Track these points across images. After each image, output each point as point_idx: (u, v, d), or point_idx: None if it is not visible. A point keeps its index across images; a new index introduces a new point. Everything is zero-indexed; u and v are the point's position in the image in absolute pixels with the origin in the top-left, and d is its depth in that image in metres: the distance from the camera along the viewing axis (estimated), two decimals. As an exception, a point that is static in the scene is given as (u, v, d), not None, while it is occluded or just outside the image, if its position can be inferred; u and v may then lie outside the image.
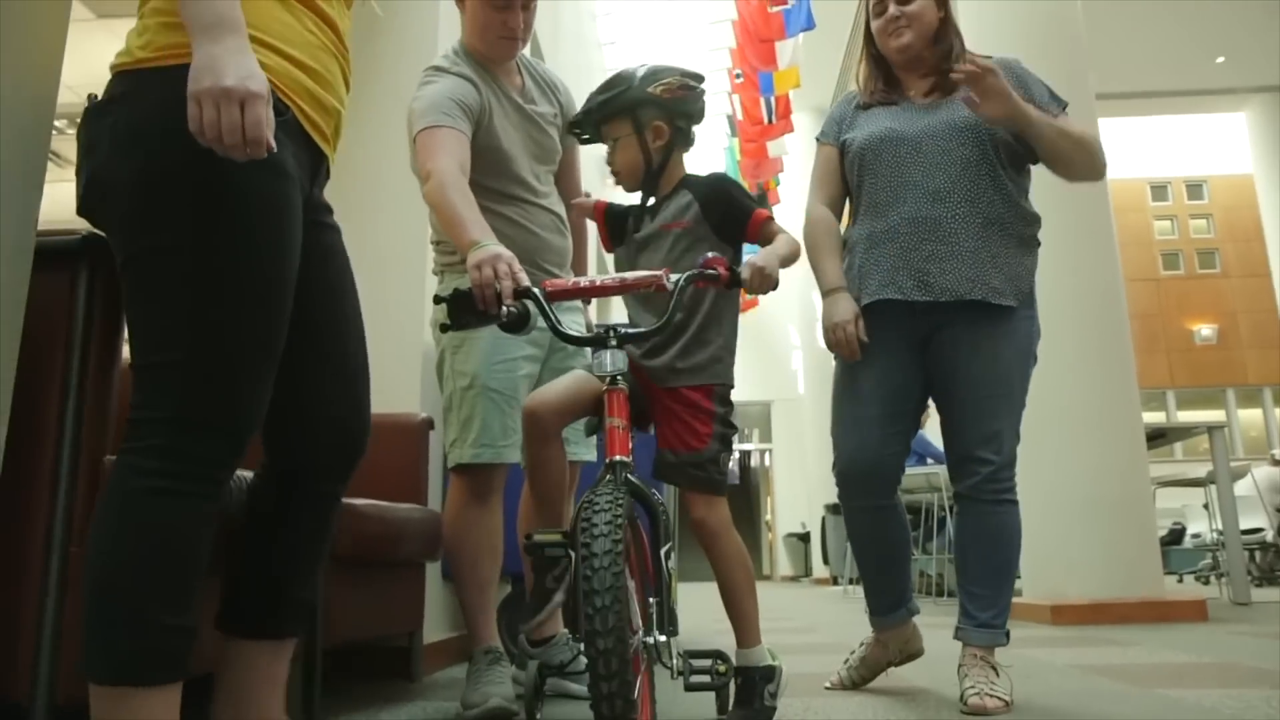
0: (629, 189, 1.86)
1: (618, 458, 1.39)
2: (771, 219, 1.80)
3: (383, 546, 2.16)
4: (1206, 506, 7.67)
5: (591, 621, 1.10)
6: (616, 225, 1.92)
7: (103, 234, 1.22)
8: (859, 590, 7.63)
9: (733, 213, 1.80)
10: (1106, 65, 9.31)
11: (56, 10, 1.31)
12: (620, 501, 1.24)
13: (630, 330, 1.53)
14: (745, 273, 1.62)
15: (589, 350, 1.66)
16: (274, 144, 1.07)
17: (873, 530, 2.15)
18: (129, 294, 1.15)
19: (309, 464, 1.32)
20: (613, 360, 1.46)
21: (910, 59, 2.17)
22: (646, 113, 1.78)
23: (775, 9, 8.44)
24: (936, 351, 2.09)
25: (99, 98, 1.18)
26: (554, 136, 2.28)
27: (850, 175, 2.21)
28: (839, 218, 2.26)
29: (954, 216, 2.04)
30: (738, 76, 9.87)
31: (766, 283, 1.65)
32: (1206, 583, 8.48)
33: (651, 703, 1.39)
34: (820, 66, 11.13)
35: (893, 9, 2.15)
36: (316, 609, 1.53)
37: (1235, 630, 3.62)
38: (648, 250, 1.82)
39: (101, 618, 1.06)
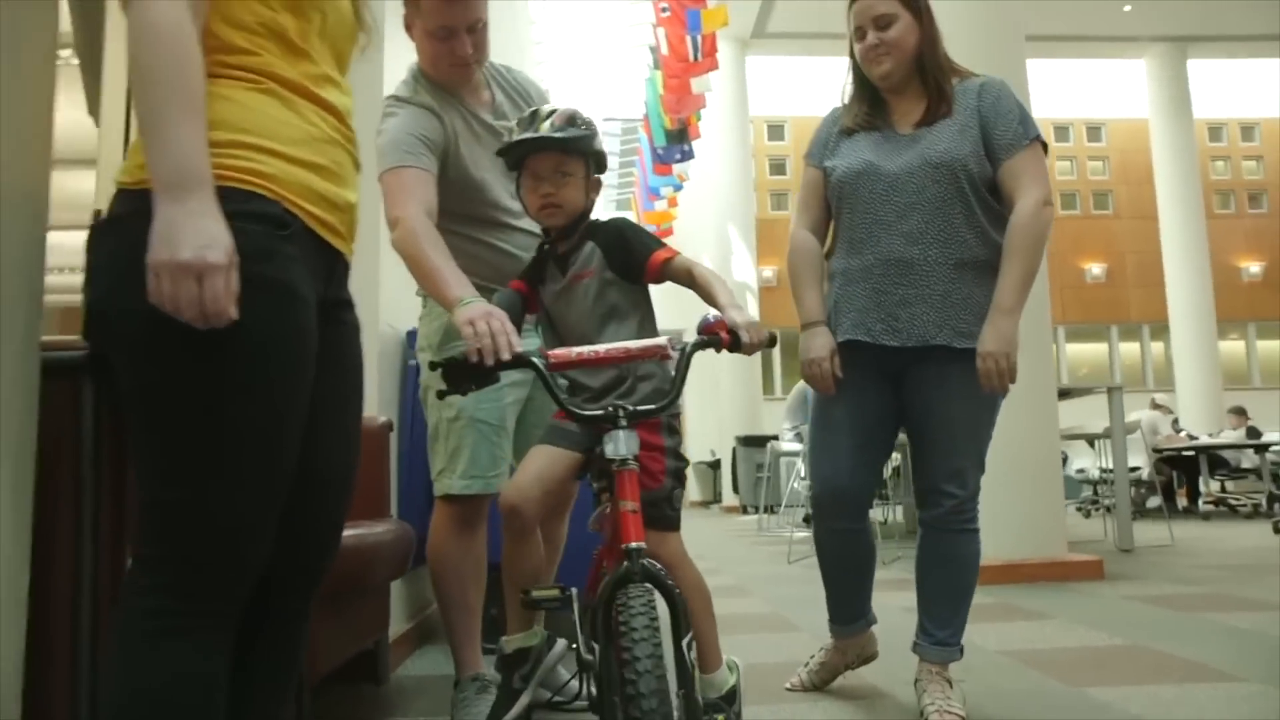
0: (553, 225, 1.82)
1: (634, 545, 1.38)
2: (670, 259, 1.79)
3: (359, 576, 2.16)
4: (1093, 444, 8.27)
5: None
6: (537, 277, 1.88)
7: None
8: (773, 522, 8.10)
9: (632, 259, 1.82)
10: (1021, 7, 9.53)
11: (41, 102, 1.20)
12: (653, 602, 1.27)
13: (641, 408, 1.51)
14: (745, 336, 1.63)
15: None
16: (235, 314, 1.00)
17: (842, 550, 2.26)
18: (134, 425, 1.10)
19: (281, 583, 1.23)
20: (626, 443, 1.45)
21: (894, 85, 2.18)
22: (596, 162, 1.81)
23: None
24: (909, 387, 2.16)
25: (104, 215, 1.10)
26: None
27: (832, 203, 2.23)
28: (823, 240, 2.28)
29: (926, 259, 2.08)
30: (664, 10, 9.65)
31: (760, 338, 1.66)
32: (1088, 515, 9.18)
33: None
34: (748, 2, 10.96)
35: (871, 37, 2.14)
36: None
37: (1129, 594, 3.96)
38: (565, 302, 1.82)
39: None
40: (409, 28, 2.10)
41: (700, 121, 11.38)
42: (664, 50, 9.92)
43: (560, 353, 1.58)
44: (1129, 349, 16.64)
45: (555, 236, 1.85)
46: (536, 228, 2.23)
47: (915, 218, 2.09)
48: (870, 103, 2.23)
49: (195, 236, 0.98)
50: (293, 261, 1.12)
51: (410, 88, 2.09)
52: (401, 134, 1.99)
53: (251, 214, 1.08)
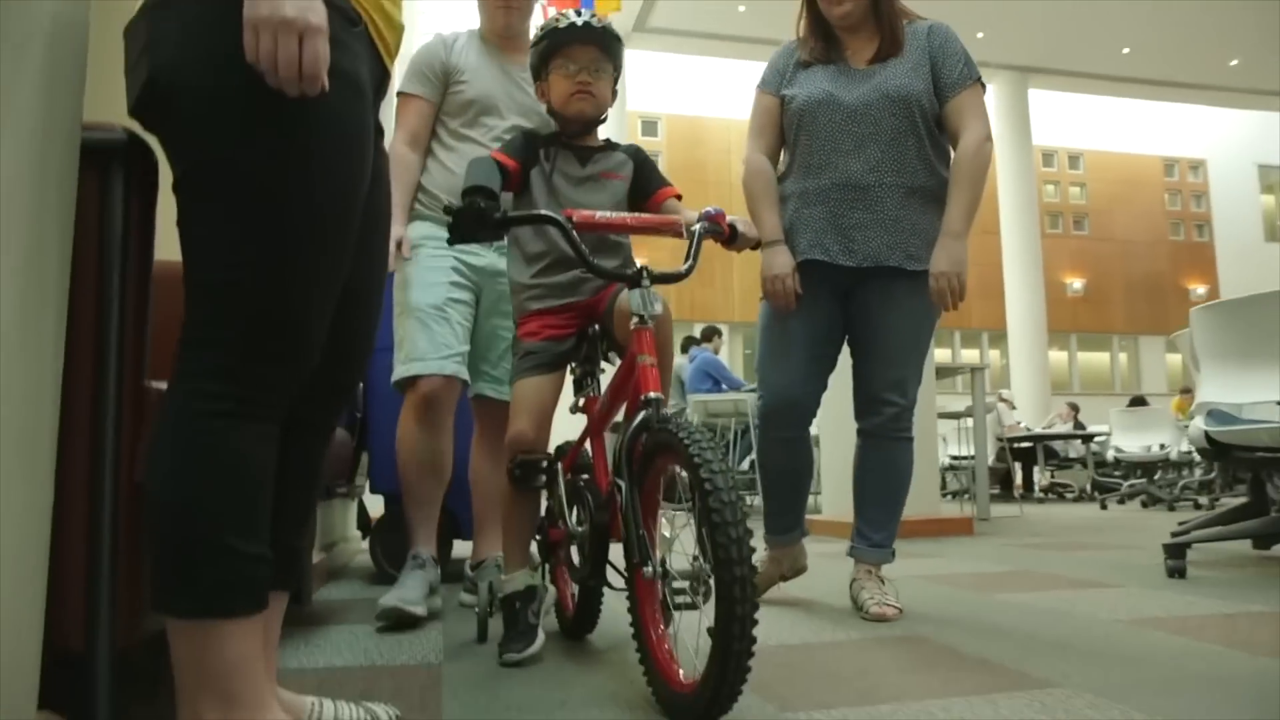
0: (580, 112, 1.86)
1: (653, 394, 1.44)
2: (675, 197, 1.92)
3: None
4: (945, 439, 8.88)
5: (726, 550, 1.15)
6: (525, 152, 1.87)
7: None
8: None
9: (648, 185, 1.94)
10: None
11: None
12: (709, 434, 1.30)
13: (662, 271, 1.56)
14: (742, 228, 1.73)
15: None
16: (328, 83, 1.01)
17: (786, 459, 2.36)
18: (189, 209, 1.05)
19: (310, 395, 1.21)
20: (647, 300, 1.50)
21: (851, 23, 2.30)
22: (617, 76, 1.90)
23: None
24: (856, 303, 2.29)
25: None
26: (534, 96, 2.31)
27: (788, 130, 2.33)
28: (775, 165, 2.39)
29: (880, 185, 2.22)
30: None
31: (753, 235, 1.78)
32: (944, 498, 9.81)
33: None
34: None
35: None
36: (307, 558, 1.46)
37: (1000, 542, 4.30)
38: (586, 191, 1.86)
39: (179, 550, 1.00)
40: None
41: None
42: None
43: (585, 213, 1.60)
44: (970, 355, 17.85)
45: (574, 130, 1.88)
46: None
47: (872, 147, 2.22)
48: (825, 39, 2.35)
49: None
50: (360, 59, 1.13)
51: (455, 34, 2.49)
52: (415, 63, 2.43)
53: (327, 1, 1.06)
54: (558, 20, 1.81)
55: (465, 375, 2.33)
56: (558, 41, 1.81)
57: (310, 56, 0.97)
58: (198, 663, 0.99)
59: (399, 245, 2.30)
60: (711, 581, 1.21)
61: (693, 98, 15.89)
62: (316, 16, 0.98)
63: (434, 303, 2.28)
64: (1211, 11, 12.78)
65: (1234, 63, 14.64)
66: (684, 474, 1.29)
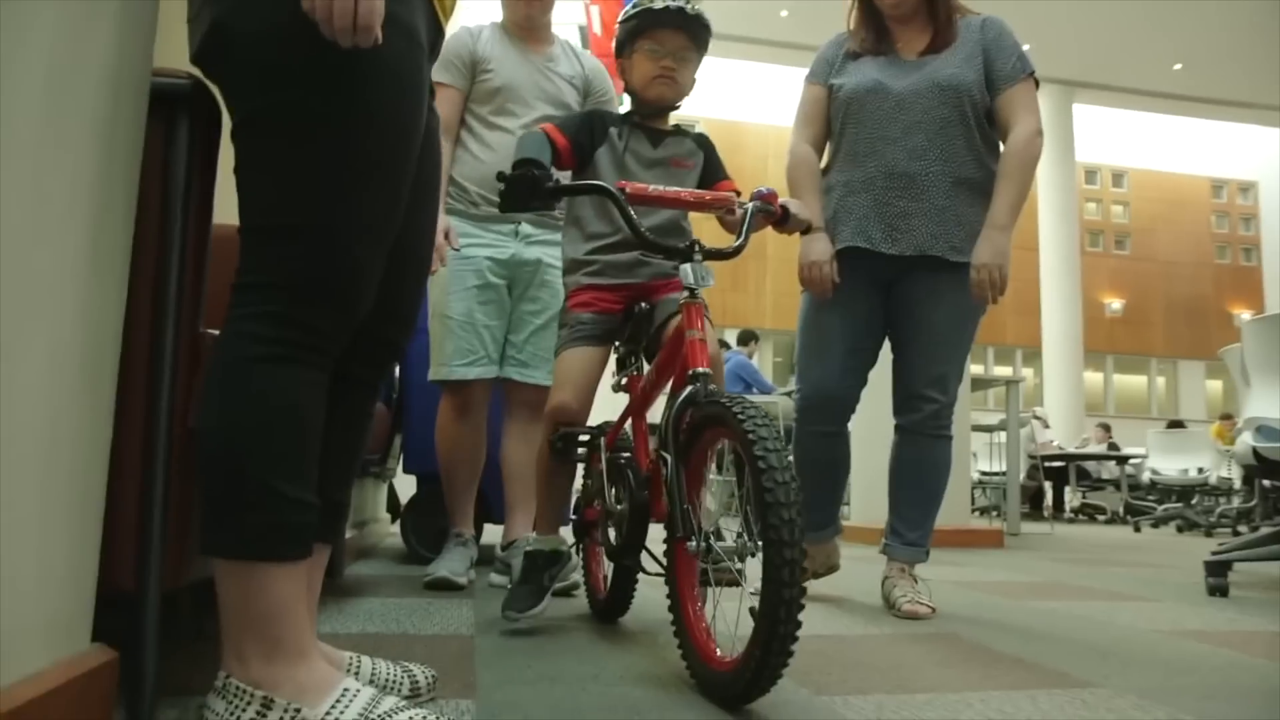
0: (660, 97, 1.84)
1: (701, 369, 1.43)
2: (734, 190, 1.89)
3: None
4: (975, 454, 8.78)
5: (778, 531, 1.14)
6: (585, 130, 1.85)
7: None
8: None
9: (712, 176, 1.93)
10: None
11: None
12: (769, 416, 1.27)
13: (713, 248, 1.55)
14: (794, 209, 1.72)
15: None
16: (381, 36, 1.01)
17: (824, 453, 2.34)
18: (247, 154, 1.06)
19: (360, 348, 1.21)
20: (699, 274, 1.49)
21: (903, 13, 2.28)
22: (700, 62, 1.87)
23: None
24: (898, 296, 2.27)
25: None
26: (560, 86, 2.53)
27: (834, 120, 2.32)
28: (820, 156, 2.37)
29: (928, 174, 2.19)
30: (596, -12, 9.68)
31: (805, 218, 1.77)
32: (973, 514, 9.69)
33: None
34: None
35: None
36: (348, 513, 1.46)
37: (1031, 555, 4.23)
38: (659, 175, 1.84)
39: (228, 492, 1.01)
40: None
41: (622, 105, 11.44)
42: (596, 30, 9.93)
43: (638, 186, 1.59)
44: (1003, 372, 17.62)
45: (648, 112, 1.87)
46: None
47: (919, 135, 2.20)
48: (876, 30, 2.33)
49: None
50: (419, 13, 1.13)
51: (480, 27, 2.55)
52: (446, 53, 2.42)
53: None
54: (651, 3, 1.79)
55: (493, 373, 2.46)
56: (648, 22, 1.79)
57: (366, 8, 0.98)
58: (243, 605, 1.00)
59: (446, 234, 2.32)
60: (758, 557, 1.19)
61: (732, 102, 15.85)
62: None
63: (462, 313, 2.42)
64: (1270, 28, 12.52)
65: (1289, 83, 14.35)
66: (736, 449, 1.28)
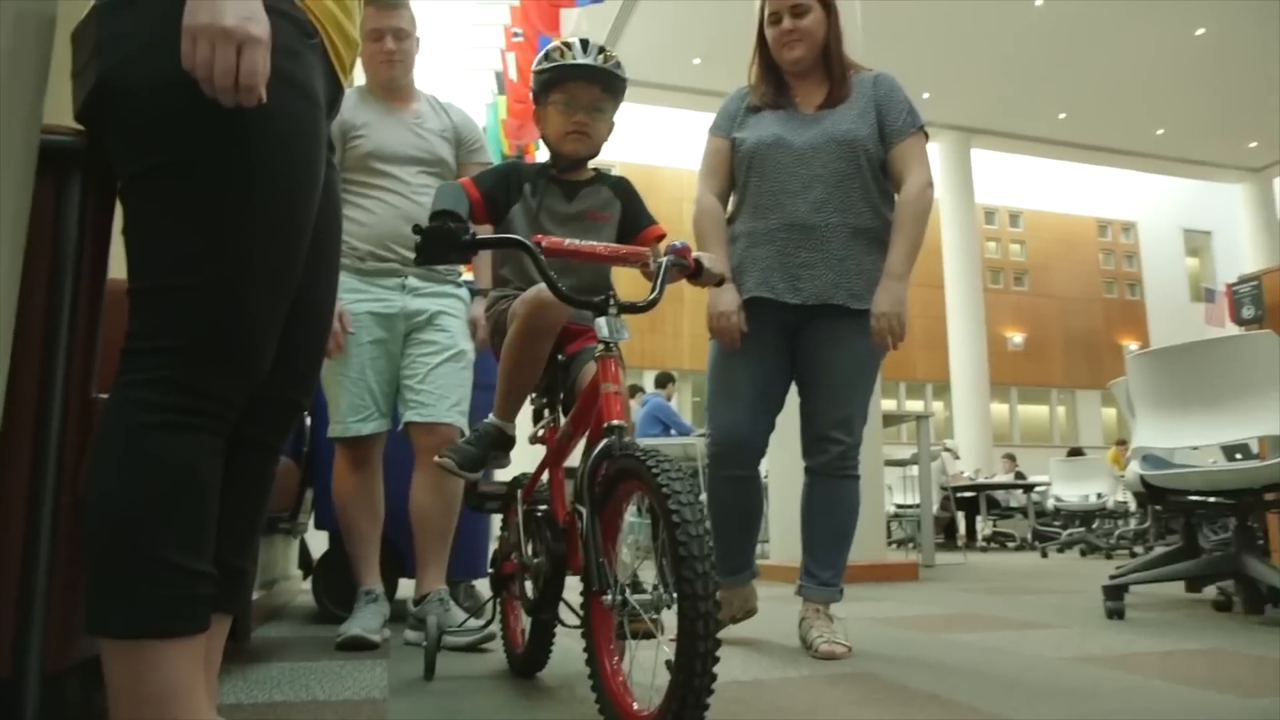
0: (574, 152, 1.86)
1: (616, 422, 1.42)
2: (662, 236, 1.94)
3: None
4: (890, 488, 9.01)
5: (692, 585, 1.13)
6: (501, 186, 1.86)
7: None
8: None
9: (636, 222, 1.94)
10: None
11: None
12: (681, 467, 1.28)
13: (628, 301, 1.55)
14: (708, 264, 1.74)
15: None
16: (264, 95, 1.00)
17: (735, 498, 2.37)
18: (135, 213, 1.03)
19: (259, 411, 1.19)
20: (614, 327, 1.49)
21: (802, 69, 2.38)
22: (617, 107, 1.89)
23: (566, -24, 8.47)
24: (802, 343, 2.33)
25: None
26: (431, 142, 2.57)
27: (738, 172, 2.39)
28: (725, 206, 2.43)
29: (827, 225, 2.27)
30: (516, 35, 9.78)
31: (717, 272, 1.79)
32: (889, 546, 9.87)
33: None
34: (597, 38, 11.27)
35: (787, 22, 2.34)
36: (251, 583, 1.42)
37: (945, 587, 4.34)
38: (575, 231, 1.83)
39: (117, 566, 0.96)
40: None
41: (538, 151, 11.52)
42: (512, 76, 10.01)
43: (554, 240, 1.59)
44: (915, 406, 18.14)
45: (563, 165, 1.88)
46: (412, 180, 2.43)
47: (819, 188, 2.28)
48: (775, 85, 2.42)
49: (239, 9, 0.97)
50: (314, 70, 1.13)
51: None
52: None
53: (282, 11, 1.07)
54: (564, 51, 1.80)
55: (386, 426, 2.50)
56: (561, 75, 1.80)
57: (248, 68, 0.97)
58: (135, 687, 0.96)
59: (340, 318, 2.34)
60: (673, 610, 1.19)
61: (647, 146, 16.12)
62: (258, 28, 0.98)
63: (354, 370, 2.44)
64: (1140, 84, 13.45)
65: (1160, 132, 15.37)
66: (648, 502, 1.28)
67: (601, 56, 1.80)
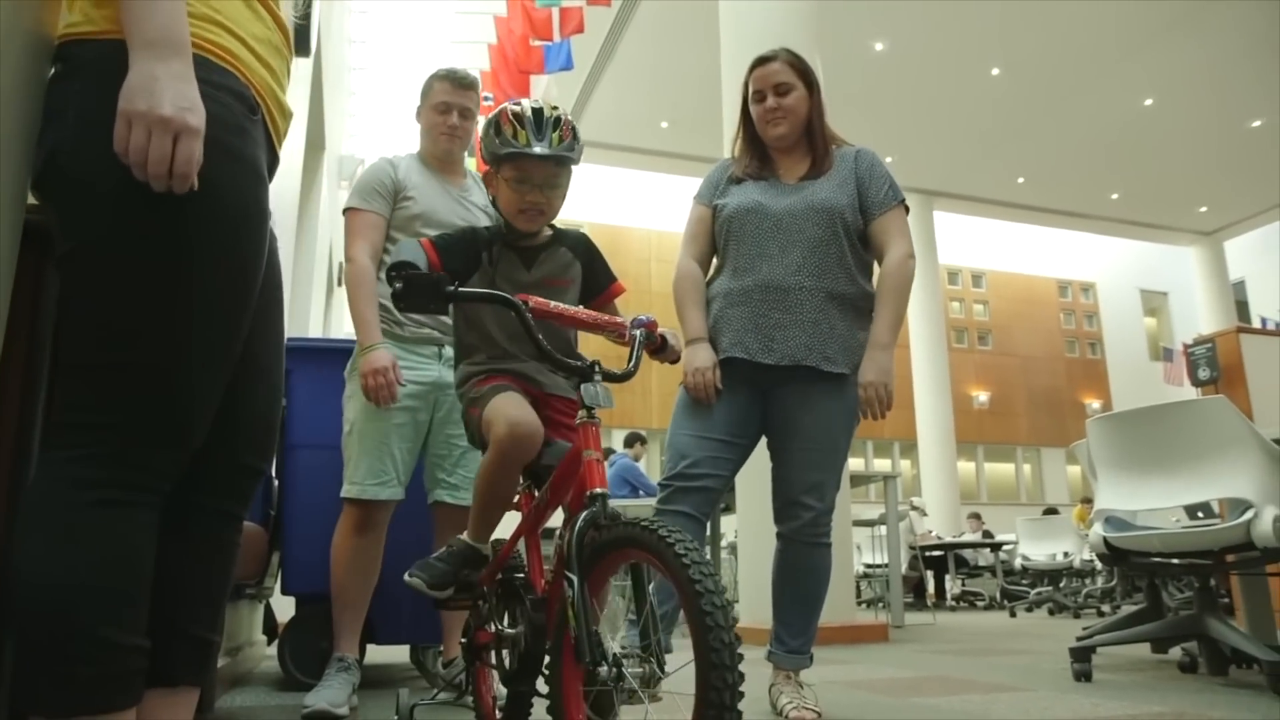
0: (530, 229, 1.84)
1: (599, 490, 1.42)
2: (621, 293, 1.94)
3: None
4: (859, 547, 9.04)
5: (720, 655, 1.11)
6: (459, 254, 1.81)
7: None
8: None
9: (596, 282, 1.93)
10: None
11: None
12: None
13: (610, 370, 1.56)
14: (672, 341, 1.77)
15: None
16: (197, 184, 1.01)
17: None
18: (73, 286, 1.03)
19: (216, 479, 1.20)
20: (598, 394, 1.50)
21: (786, 146, 2.46)
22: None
23: (537, 43, 8.66)
24: (774, 404, 2.36)
25: (59, 67, 1.07)
26: (475, 215, 2.64)
27: (719, 237, 2.45)
28: (706, 271, 2.49)
29: (801, 289, 2.32)
30: (486, 99, 9.94)
31: (674, 354, 1.82)
32: (859, 606, 9.84)
33: None
34: (566, 102, 11.50)
35: (771, 100, 2.43)
36: (217, 652, 1.40)
37: (914, 649, 4.34)
38: (541, 295, 1.80)
39: (49, 644, 0.95)
40: (418, 114, 2.72)
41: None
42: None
43: (540, 301, 1.60)
44: (882, 464, 18.25)
45: (518, 234, 1.85)
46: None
47: (796, 252, 2.34)
48: (759, 158, 2.50)
49: (178, 97, 0.98)
50: (259, 146, 1.15)
51: (397, 157, 2.68)
52: (364, 181, 2.58)
53: (229, 89, 1.10)
54: (516, 129, 1.72)
55: (400, 495, 2.49)
56: (513, 155, 1.74)
57: (184, 157, 0.97)
58: None
59: (394, 367, 2.33)
60: (661, 682, 1.19)
61: (615, 207, 16.35)
62: (195, 119, 0.99)
63: (377, 435, 2.45)
64: (1093, 151, 13.91)
65: (1114, 196, 15.87)
66: (657, 569, 1.26)
67: (556, 135, 1.73)
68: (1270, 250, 17.93)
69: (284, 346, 1.35)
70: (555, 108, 1.78)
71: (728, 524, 6.68)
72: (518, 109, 1.75)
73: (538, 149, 1.72)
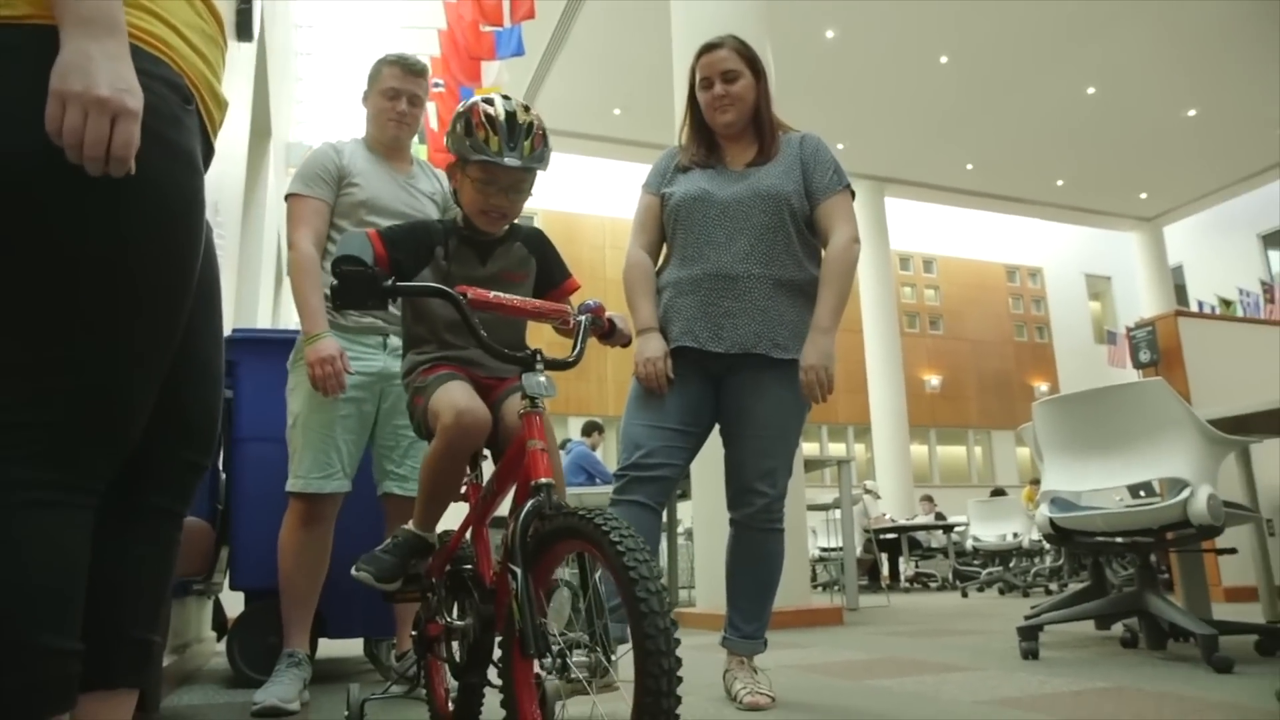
0: (491, 230, 1.83)
1: (544, 480, 1.42)
2: (577, 289, 1.94)
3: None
4: (814, 531, 9.14)
5: (655, 642, 1.12)
6: (409, 248, 1.78)
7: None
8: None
9: (551, 277, 1.93)
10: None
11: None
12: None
13: (553, 358, 1.56)
14: (620, 325, 1.78)
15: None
16: (134, 168, 0.97)
17: (635, 526, 2.35)
18: (8, 278, 0.98)
19: (153, 475, 1.16)
20: (541, 384, 1.50)
21: (734, 133, 2.46)
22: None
23: (487, 29, 8.56)
24: (727, 392, 2.37)
25: None
26: (422, 202, 2.64)
27: (667, 225, 2.44)
28: (655, 260, 2.48)
29: (749, 276, 2.32)
30: (436, 85, 9.81)
31: (624, 338, 1.82)
32: (814, 589, 9.96)
33: None
34: (518, 89, 11.40)
35: (719, 88, 2.42)
36: (159, 654, 1.36)
37: (869, 631, 4.41)
38: (496, 289, 1.78)
39: None
40: (365, 99, 2.68)
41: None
42: (433, 125, 10.02)
43: (479, 291, 1.59)
44: (837, 449, 18.48)
45: (476, 230, 1.82)
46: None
47: (743, 240, 2.34)
48: (706, 145, 2.49)
49: (114, 78, 0.94)
50: (194, 137, 1.12)
51: (341, 142, 2.63)
52: (308, 167, 2.53)
53: (163, 79, 1.07)
54: (489, 134, 1.68)
55: (347, 487, 2.45)
56: (483, 162, 1.71)
57: (122, 140, 0.94)
58: None
59: (341, 355, 2.31)
60: (610, 671, 1.19)
61: (569, 195, 16.28)
62: (134, 101, 0.95)
63: (321, 426, 2.40)
64: (1038, 138, 14.19)
65: (1059, 183, 16.20)
66: (594, 559, 1.27)
67: (529, 144, 1.70)
68: (1207, 235, 18.48)
69: (223, 339, 1.32)
70: (528, 109, 1.76)
71: (684, 510, 6.71)
72: (491, 111, 1.71)
73: (509, 160, 1.71)
